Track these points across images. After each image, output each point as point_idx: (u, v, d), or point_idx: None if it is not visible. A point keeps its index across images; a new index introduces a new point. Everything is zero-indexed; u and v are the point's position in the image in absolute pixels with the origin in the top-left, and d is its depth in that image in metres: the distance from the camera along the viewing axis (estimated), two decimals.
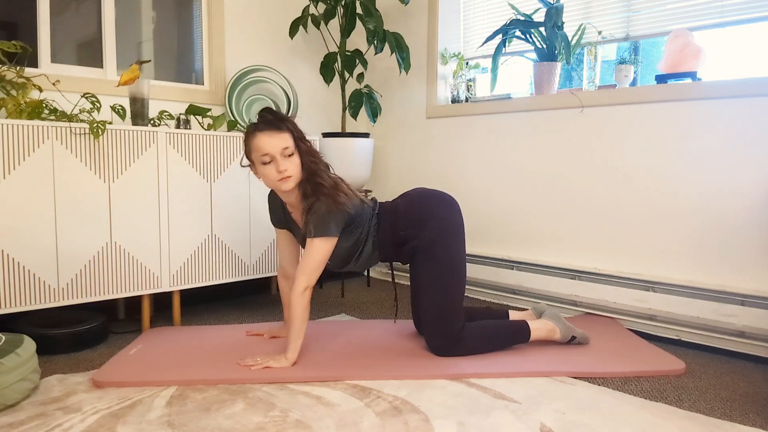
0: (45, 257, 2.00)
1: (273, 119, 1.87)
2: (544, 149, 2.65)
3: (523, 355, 1.96)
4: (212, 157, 2.42)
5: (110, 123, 2.12)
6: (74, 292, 2.08)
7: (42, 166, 1.98)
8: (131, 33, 2.69)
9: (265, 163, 1.85)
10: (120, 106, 2.30)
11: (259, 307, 2.75)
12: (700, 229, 2.19)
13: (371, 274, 3.40)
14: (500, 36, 2.65)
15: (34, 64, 2.35)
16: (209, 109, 2.60)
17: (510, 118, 2.78)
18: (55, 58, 2.42)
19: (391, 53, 2.98)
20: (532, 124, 2.69)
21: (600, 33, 2.56)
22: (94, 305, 2.25)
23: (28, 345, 1.68)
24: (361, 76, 3.15)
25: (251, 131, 1.88)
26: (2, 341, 1.66)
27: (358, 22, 2.95)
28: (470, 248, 2.80)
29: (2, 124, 1.89)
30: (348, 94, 3.11)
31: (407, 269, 2.11)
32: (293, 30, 2.96)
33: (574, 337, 2.05)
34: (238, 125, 2.67)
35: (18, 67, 2.08)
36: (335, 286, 3.18)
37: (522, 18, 2.67)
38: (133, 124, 2.28)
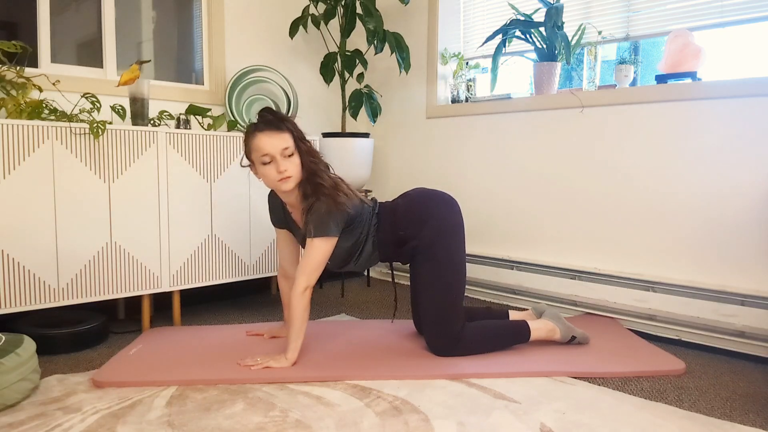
0: (45, 257, 2.00)
1: (273, 119, 1.87)
2: (544, 149, 2.65)
3: (523, 355, 1.96)
4: (212, 157, 2.42)
5: (110, 123, 2.12)
6: (74, 292, 2.08)
7: (42, 166, 1.98)
8: (131, 33, 2.69)
9: (265, 164, 1.85)
10: (120, 106, 2.30)
11: (259, 307, 2.75)
12: (700, 229, 2.19)
13: (371, 274, 3.40)
14: (500, 36, 2.65)
15: (34, 64, 2.35)
16: (209, 109, 2.60)
17: (510, 118, 2.78)
18: (55, 58, 2.42)
19: (391, 53, 2.98)
20: (532, 124, 2.69)
21: (600, 33, 2.56)
22: (94, 305, 2.25)
23: (28, 345, 1.68)
24: (361, 76, 3.15)
25: (251, 131, 1.88)
26: (2, 341, 1.66)
27: (358, 22, 2.95)
28: (470, 248, 2.80)
29: (2, 124, 1.90)
30: (348, 94, 3.11)
31: (407, 269, 2.11)
32: (293, 30, 2.96)
33: (574, 337, 2.05)
34: (238, 125, 2.67)
35: (18, 67, 2.08)
36: (335, 286, 3.18)
37: (522, 18, 2.67)
38: (133, 124, 2.28)
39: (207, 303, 2.80)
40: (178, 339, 2.15)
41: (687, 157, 2.21)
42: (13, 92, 2.06)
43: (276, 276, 2.75)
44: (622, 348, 2.06)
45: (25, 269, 1.97)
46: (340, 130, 3.23)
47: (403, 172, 3.33)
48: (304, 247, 1.92)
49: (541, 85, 2.64)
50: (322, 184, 1.87)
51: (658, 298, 2.24)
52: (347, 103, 3.09)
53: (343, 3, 2.93)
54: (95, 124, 2.03)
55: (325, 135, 3.05)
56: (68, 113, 2.11)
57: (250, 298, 2.95)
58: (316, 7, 3.00)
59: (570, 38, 2.57)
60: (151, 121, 2.40)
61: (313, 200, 1.85)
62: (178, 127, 2.45)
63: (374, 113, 3.07)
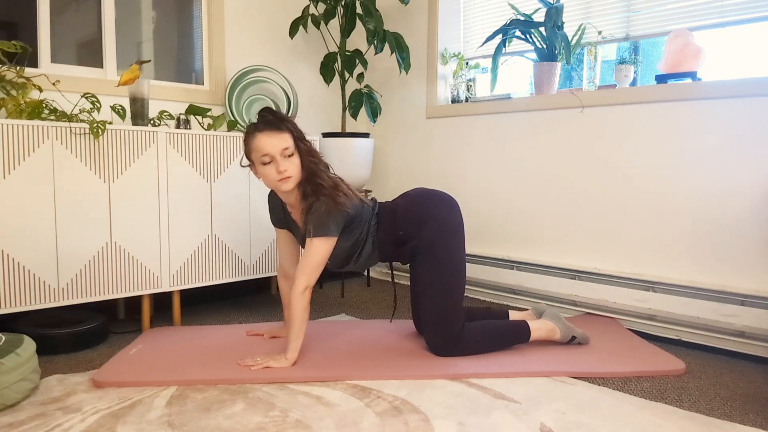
0: (45, 257, 2.00)
1: (273, 119, 1.87)
2: (544, 149, 2.65)
3: (523, 355, 1.96)
4: (212, 157, 2.42)
5: (110, 123, 2.12)
6: (74, 292, 2.08)
7: (42, 166, 1.98)
8: (131, 33, 2.69)
9: (265, 164, 1.85)
10: (120, 106, 2.30)
11: (259, 307, 2.75)
12: (700, 229, 2.19)
13: (371, 274, 3.40)
14: (500, 36, 2.65)
15: (34, 64, 2.35)
16: (209, 109, 2.60)
17: (510, 118, 2.78)
18: (55, 58, 2.42)
19: (391, 53, 2.98)
20: (532, 124, 2.69)
21: (600, 33, 2.56)
22: (94, 305, 2.25)
23: (28, 345, 1.68)
24: (361, 76, 3.15)
25: (251, 131, 1.88)
26: (2, 341, 1.66)
27: (358, 22, 2.95)
28: (470, 248, 2.80)
29: (2, 124, 1.90)
30: (348, 94, 3.11)
31: (407, 269, 2.11)
32: (293, 30, 2.96)
33: (574, 337, 2.05)
34: (238, 125, 2.67)
35: (18, 67, 2.08)
36: (335, 286, 3.18)
37: (522, 18, 2.67)
38: (133, 124, 2.28)
39: (207, 303, 2.80)
40: (178, 339, 2.16)
41: (687, 157, 2.21)
42: (13, 92, 2.06)
43: (276, 276, 2.75)
44: (622, 348, 2.06)
45: (25, 269, 1.97)
46: (340, 130, 3.23)
47: (403, 172, 3.33)
48: (303, 247, 1.93)
49: (541, 85, 2.64)
50: (321, 184, 1.87)
51: (658, 298, 2.24)
52: (347, 103, 3.09)
53: (343, 3, 2.93)
54: (95, 124, 2.03)
55: (325, 135, 3.05)
56: (68, 113, 2.11)
57: (250, 298, 2.95)
58: (316, 7, 3.00)
59: (570, 38, 2.57)
60: (151, 121, 2.40)
61: (312, 200, 1.85)
62: (178, 127, 2.45)
63: (374, 113, 3.07)
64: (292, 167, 1.85)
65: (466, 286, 2.06)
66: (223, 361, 1.90)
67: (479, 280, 2.87)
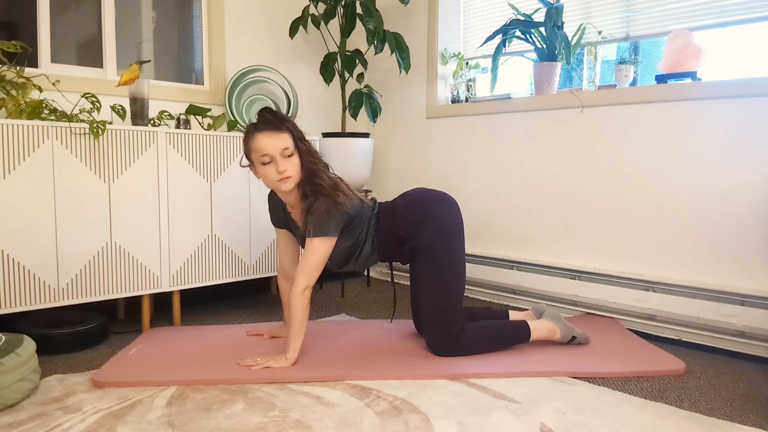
0: (45, 257, 2.00)
1: (272, 119, 1.87)
2: (544, 149, 2.65)
3: (523, 355, 1.96)
4: (212, 157, 2.42)
5: (110, 123, 2.12)
6: (74, 292, 2.08)
7: (42, 166, 1.98)
8: (131, 33, 2.69)
9: (264, 164, 1.85)
10: (120, 106, 2.30)
11: (259, 307, 2.75)
12: (700, 229, 2.19)
13: (371, 274, 3.40)
14: (500, 36, 2.65)
15: (34, 64, 2.35)
16: (209, 109, 2.60)
17: (510, 118, 2.78)
18: (55, 58, 2.42)
19: (391, 53, 2.98)
20: (532, 124, 2.69)
21: (600, 33, 2.56)
22: (94, 305, 2.25)
23: (28, 345, 1.68)
24: (361, 76, 3.15)
25: (251, 131, 1.88)
26: (2, 341, 1.66)
27: (358, 22, 2.95)
28: (470, 248, 2.80)
29: (2, 124, 1.90)
30: (348, 94, 3.11)
31: (407, 269, 2.11)
32: (293, 30, 2.96)
33: (574, 338, 2.05)
34: (238, 125, 2.67)
35: (18, 67, 2.08)
36: (335, 286, 3.18)
37: (522, 18, 2.67)
38: (133, 124, 2.28)
39: (207, 303, 2.80)
40: (178, 339, 2.16)
41: (687, 157, 2.21)
42: (13, 92, 2.06)
43: (276, 276, 2.75)
44: (622, 348, 2.06)
45: (25, 269, 1.97)
46: (340, 130, 3.23)
47: (403, 172, 3.33)
48: (303, 247, 1.93)
49: (541, 85, 2.64)
50: (321, 184, 1.87)
51: (658, 298, 2.24)
52: (347, 103, 3.09)
53: (343, 3, 2.93)
54: (95, 124, 2.03)
55: (325, 135, 3.05)
56: (68, 113, 2.11)
57: (250, 298, 2.95)
58: (316, 7, 3.00)
59: (570, 38, 2.57)
60: (151, 121, 2.40)
61: (312, 200, 1.85)
62: (178, 127, 2.45)
63: (374, 113, 3.07)
64: (292, 167, 1.85)
65: (466, 286, 2.06)
66: (223, 361, 1.90)
67: (479, 280, 2.87)
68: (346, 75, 3.07)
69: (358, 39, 3.14)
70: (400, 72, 3.01)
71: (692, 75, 2.21)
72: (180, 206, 2.33)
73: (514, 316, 2.20)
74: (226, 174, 2.46)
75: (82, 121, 2.08)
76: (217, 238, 2.46)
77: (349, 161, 2.99)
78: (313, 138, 2.65)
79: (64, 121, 2.06)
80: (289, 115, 1.96)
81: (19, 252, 1.95)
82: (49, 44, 2.39)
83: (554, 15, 2.49)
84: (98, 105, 2.20)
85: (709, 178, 2.15)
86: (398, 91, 3.33)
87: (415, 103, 3.25)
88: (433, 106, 3.15)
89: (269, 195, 2.11)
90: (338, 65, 3.04)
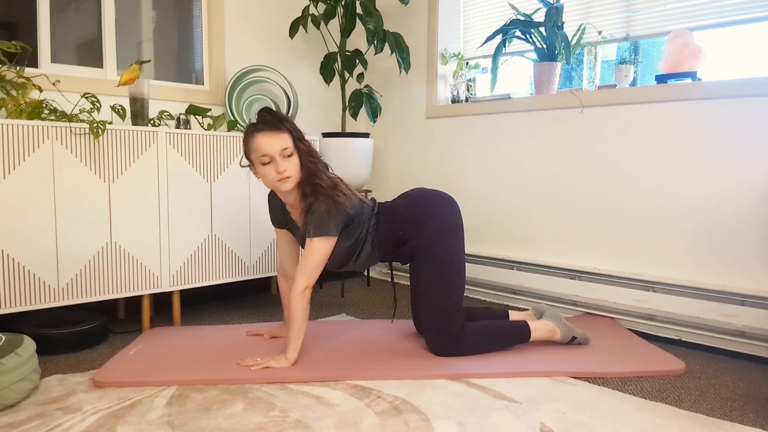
0: (45, 257, 2.00)
1: (272, 119, 1.87)
2: (544, 149, 2.65)
3: (523, 355, 1.96)
4: (212, 157, 2.42)
5: (110, 123, 2.12)
6: (74, 292, 2.08)
7: (42, 166, 1.98)
8: (131, 33, 2.69)
9: (264, 164, 1.85)
10: (120, 106, 2.30)
11: (259, 307, 2.75)
12: (700, 229, 2.19)
13: (371, 274, 3.40)
14: (500, 36, 2.65)
15: (34, 64, 2.35)
16: (209, 109, 2.60)
17: (510, 118, 2.78)
18: (55, 58, 2.42)
19: (391, 53, 2.98)
20: (532, 124, 2.69)
21: (600, 33, 2.56)
22: (94, 305, 2.25)
23: (28, 345, 1.68)
24: (361, 76, 3.15)
25: (250, 132, 1.88)
26: (2, 341, 1.66)
27: (358, 22, 2.95)
28: (470, 248, 2.80)
29: (2, 124, 1.90)
30: (348, 94, 3.11)
31: (407, 269, 2.11)
32: (293, 30, 2.96)
33: (574, 338, 2.05)
34: (238, 125, 2.67)
35: (18, 67, 2.08)
36: (335, 286, 3.18)
37: (522, 18, 2.67)
38: (133, 124, 2.28)
39: (207, 303, 2.80)
40: (178, 339, 2.16)
41: (687, 157, 2.21)
42: (13, 92, 2.06)
43: (276, 276, 2.75)
44: (622, 348, 2.06)
45: (25, 269, 1.97)
46: (340, 130, 3.23)
47: (403, 172, 3.33)
48: (303, 247, 1.93)
49: (541, 85, 2.64)
50: (320, 184, 1.87)
51: (658, 298, 2.24)
52: (347, 103, 3.09)
53: (343, 3, 2.93)
54: (95, 124, 2.03)
55: (325, 135, 3.05)
56: (68, 113, 2.11)
57: (250, 298, 2.95)
58: (316, 7, 3.00)
59: (570, 38, 2.57)
60: (151, 121, 2.40)
61: (312, 200, 1.85)
62: (178, 127, 2.45)
63: (374, 113, 3.07)
64: (292, 167, 1.85)
65: (466, 286, 2.06)
66: (223, 361, 1.90)
67: (479, 280, 2.87)
68: (346, 75, 3.07)
69: (358, 39, 3.14)
70: (400, 72, 3.01)
71: (692, 75, 2.22)
72: (180, 206, 2.33)
73: (514, 316, 2.20)
74: (226, 174, 2.46)
75: (82, 121, 2.08)
76: (217, 238, 2.46)
77: (349, 161, 2.99)
78: (313, 138, 2.65)
79: (64, 121, 2.06)
80: (289, 115, 1.97)
81: (19, 252, 1.95)
82: (49, 44, 2.39)
83: (554, 15, 2.49)
84: (98, 105, 2.20)
85: (709, 178, 2.15)
86: (398, 91, 3.33)
87: (415, 103, 3.25)
88: (433, 106, 3.15)
89: (269, 195, 2.11)
90: (338, 65, 3.04)
